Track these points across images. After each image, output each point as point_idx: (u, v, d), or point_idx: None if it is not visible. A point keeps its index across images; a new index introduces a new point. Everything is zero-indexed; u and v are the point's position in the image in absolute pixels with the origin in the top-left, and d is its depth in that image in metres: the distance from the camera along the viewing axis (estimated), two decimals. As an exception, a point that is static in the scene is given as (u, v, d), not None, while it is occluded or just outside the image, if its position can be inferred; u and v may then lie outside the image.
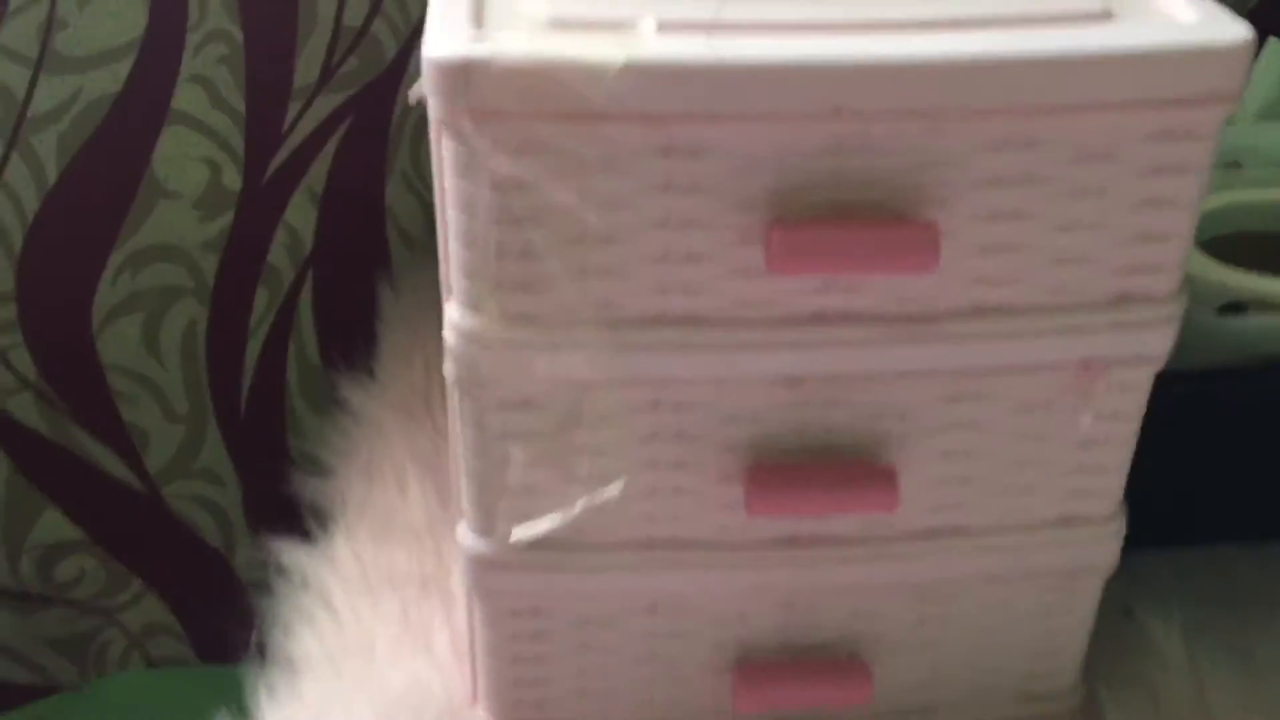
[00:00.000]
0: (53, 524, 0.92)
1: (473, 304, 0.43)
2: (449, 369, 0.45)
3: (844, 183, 0.41)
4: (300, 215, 0.84)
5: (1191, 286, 0.61)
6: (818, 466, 0.46)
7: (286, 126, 0.81)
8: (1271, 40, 0.73)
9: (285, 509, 0.66)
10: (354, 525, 0.64)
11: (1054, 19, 0.41)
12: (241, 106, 0.80)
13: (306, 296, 0.87)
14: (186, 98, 0.79)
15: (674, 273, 0.42)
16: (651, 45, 0.39)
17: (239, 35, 0.77)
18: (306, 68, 0.79)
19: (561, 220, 0.41)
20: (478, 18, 0.41)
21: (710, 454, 0.46)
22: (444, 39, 0.39)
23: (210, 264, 0.84)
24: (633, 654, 0.50)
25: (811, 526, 0.48)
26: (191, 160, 0.81)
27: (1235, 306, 0.61)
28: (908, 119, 0.40)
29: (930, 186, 0.41)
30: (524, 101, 0.39)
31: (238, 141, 0.81)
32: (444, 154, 0.41)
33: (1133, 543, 0.60)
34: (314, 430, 0.74)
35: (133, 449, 0.90)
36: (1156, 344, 0.45)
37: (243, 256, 0.85)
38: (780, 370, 0.44)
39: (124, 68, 0.77)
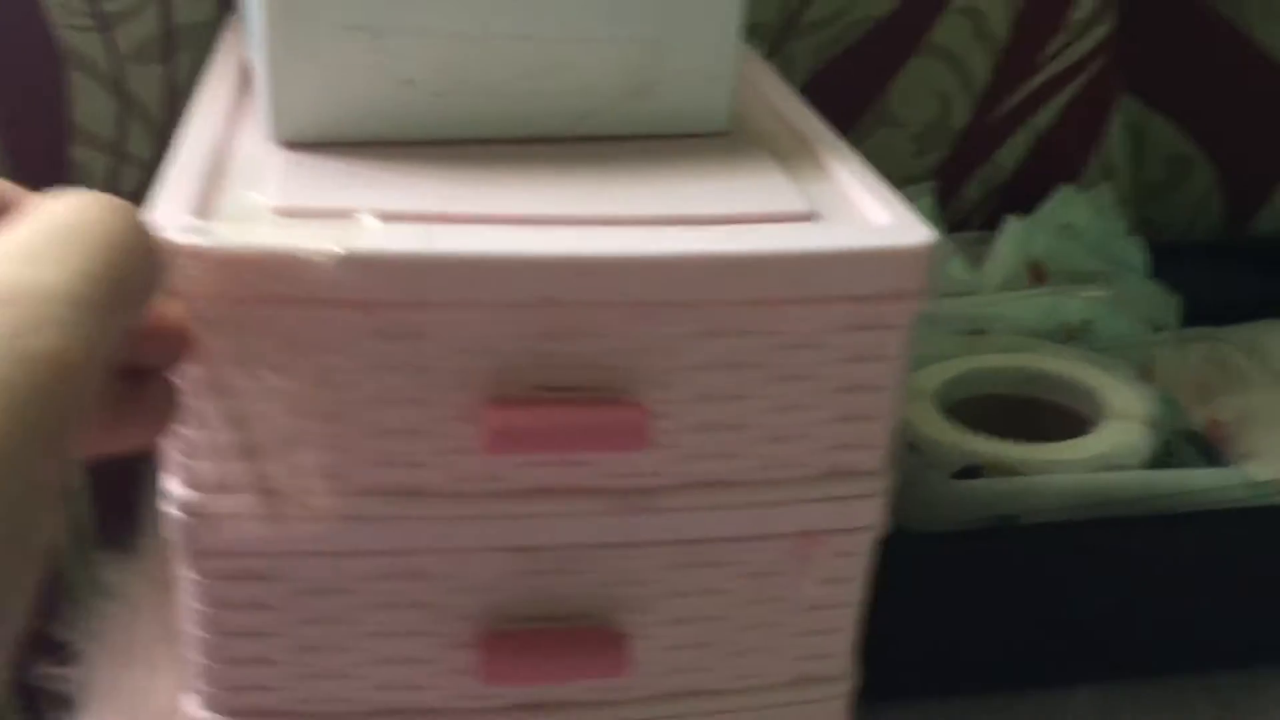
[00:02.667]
0: None
1: (191, 477, 0.43)
2: (173, 537, 0.45)
3: (559, 365, 0.43)
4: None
5: (931, 450, 0.66)
6: (551, 634, 0.47)
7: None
8: (1010, 219, 0.79)
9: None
10: (100, 712, 0.62)
11: (764, 218, 0.45)
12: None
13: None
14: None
15: (396, 448, 0.43)
16: (370, 237, 0.41)
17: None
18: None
19: (281, 396, 0.42)
20: (203, 207, 0.42)
21: (445, 623, 0.47)
22: (164, 227, 0.40)
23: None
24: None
25: (551, 693, 0.48)
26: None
27: (971, 470, 0.65)
28: (619, 309, 0.42)
29: (645, 370, 0.43)
30: (241, 287, 0.40)
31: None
32: (163, 336, 0.41)
33: (876, 697, 0.62)
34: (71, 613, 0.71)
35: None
36: (867, 515, 0.48)
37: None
38: (508, 541, 0.45)
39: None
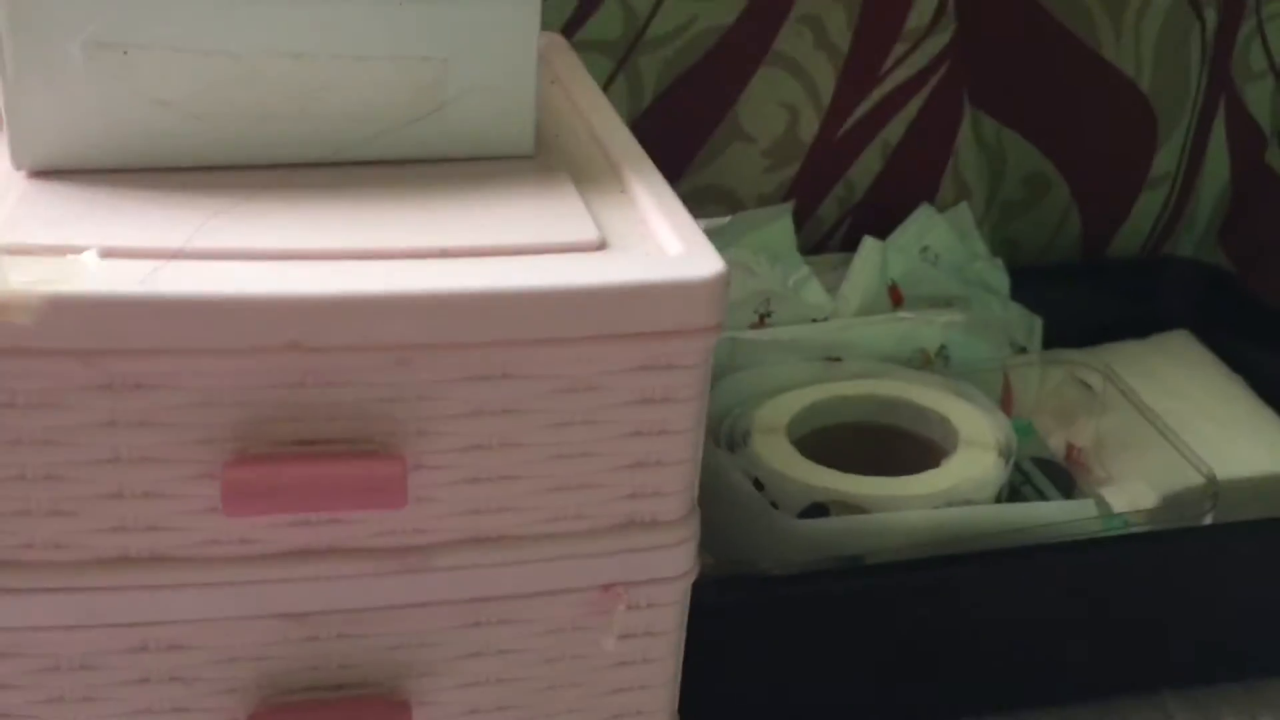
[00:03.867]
0: None
1: (-97, 553, 0.39)
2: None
3: (310, 416, 0.39)
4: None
5: (777, 485, 0.63)
6: (328, 706, 0.43)
7: None
8: (867, 239, 0.77)
9: None
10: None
11: (546, 249, 0.41)
12: None
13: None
14: None
15: (132, 511, 0.39)
16: (88, 277, 0.36)
17: None
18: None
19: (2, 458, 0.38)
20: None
21: (211, 697, 0.43)
22: None
23: None
24: None
25: (332, 769, 0.44)
26: None
27: (820, 507, 0.62)
28: (372, 353, 0.38)
29: (405, 419, 0.40)
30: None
31: None
32: None
33: None
34: None
35: None
36: (675, 565, 0.45)
37: None
38: (270, 608, 0.41)
39: None
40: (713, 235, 0.77)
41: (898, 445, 0.69)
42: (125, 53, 0.42)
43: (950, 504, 0.62)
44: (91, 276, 0.36)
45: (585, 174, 0.47)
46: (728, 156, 0.77)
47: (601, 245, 0.42)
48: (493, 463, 0.41)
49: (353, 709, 0.43)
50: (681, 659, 0.48)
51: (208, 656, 0.42)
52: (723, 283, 0.41)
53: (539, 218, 0.43)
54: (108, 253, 0.38)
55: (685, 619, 0.47)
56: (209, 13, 0.42)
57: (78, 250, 0.38)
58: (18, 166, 0.43)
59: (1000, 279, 0.80)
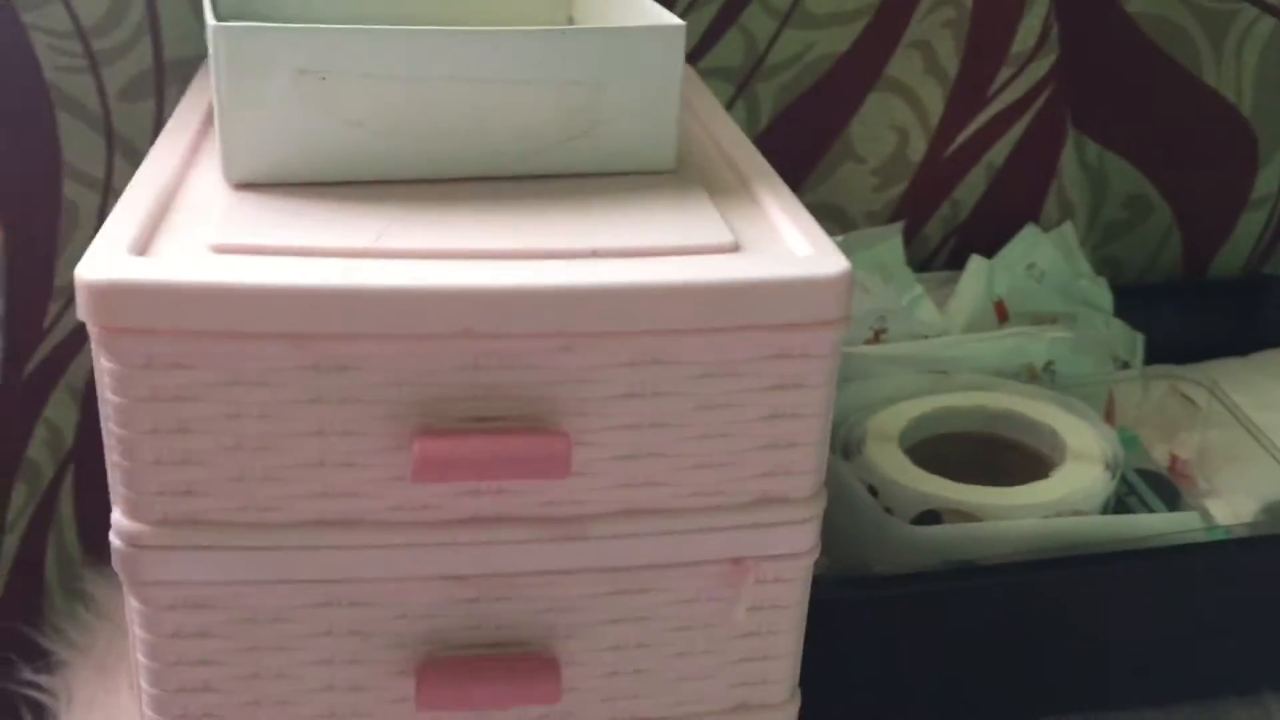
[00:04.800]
0: None
1: (132, 510, 0.44)
2: (118, 571, 0.46)
3: (485, 396, 0.44)
4: (60, 412, 0.84)
5: (891, 492, 0.66)
6: (487, 662, 0.48)
7: (46, 325, 0.82)
8: (974, 257, 0.81)
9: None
10: (85, 716, 0.63)
11: (688, 250, 0.46)
12: (1, 308, 0.80)
13: (68, 494, 0.87)
14: None
15: (331, 478, 0.45)
16: (298, 271, 0.42)
17: (2, 236, 0.79)
18: (68, 267, 0.80)
19: (218, 430, 0.43)
20: (146, 239, 0.44)
21: (384, 650, 0.48)
22: (98, 262, 0.42)
23: (-33, 458, 0.84)
24: None
25: (495, 717, 0.49)
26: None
27: (932, 514, 0.66)
28: (538, 340, 0.43)
29: (567, 400, 0.45)
30: (174, 320, 0.41)
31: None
32: (102, 370, 0.43)
33: None
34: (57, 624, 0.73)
35: None
36: (801, 541, 0.49)
37: (2, 453, 0.84)
38: (443, 569, 0.47)
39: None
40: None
41: (1006, 456, 0.72)
42: (324, 79, 0.48)
43: (1059, 515, 0.65)
44: (301, 270, 0.42)
45: (717, 187, 0.52)
46: (839, 176, 0.82)
47: (736, 248, 0.47)
48: (643, 441, 0.46)
49: (508, 665, 0.48)
50: (803, 634, 0.52)
51: (384, 613, 0.47)
52: (847, 280, 0.45)
53: (679, 224, 0.48)
54: (309, 252, 0.44)
55: (808, 595, 0.51)
56: (397, 44, 0.48)
57: (288, 251, 0.43)
58: (229, 181, 0.49)
59: (1104, 297, 0.83)
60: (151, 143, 0.77)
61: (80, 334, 0.82)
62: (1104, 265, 0.89)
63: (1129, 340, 0.82)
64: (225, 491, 0.45)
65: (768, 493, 0.48)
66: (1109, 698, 0.66)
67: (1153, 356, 0.82)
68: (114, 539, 0.46)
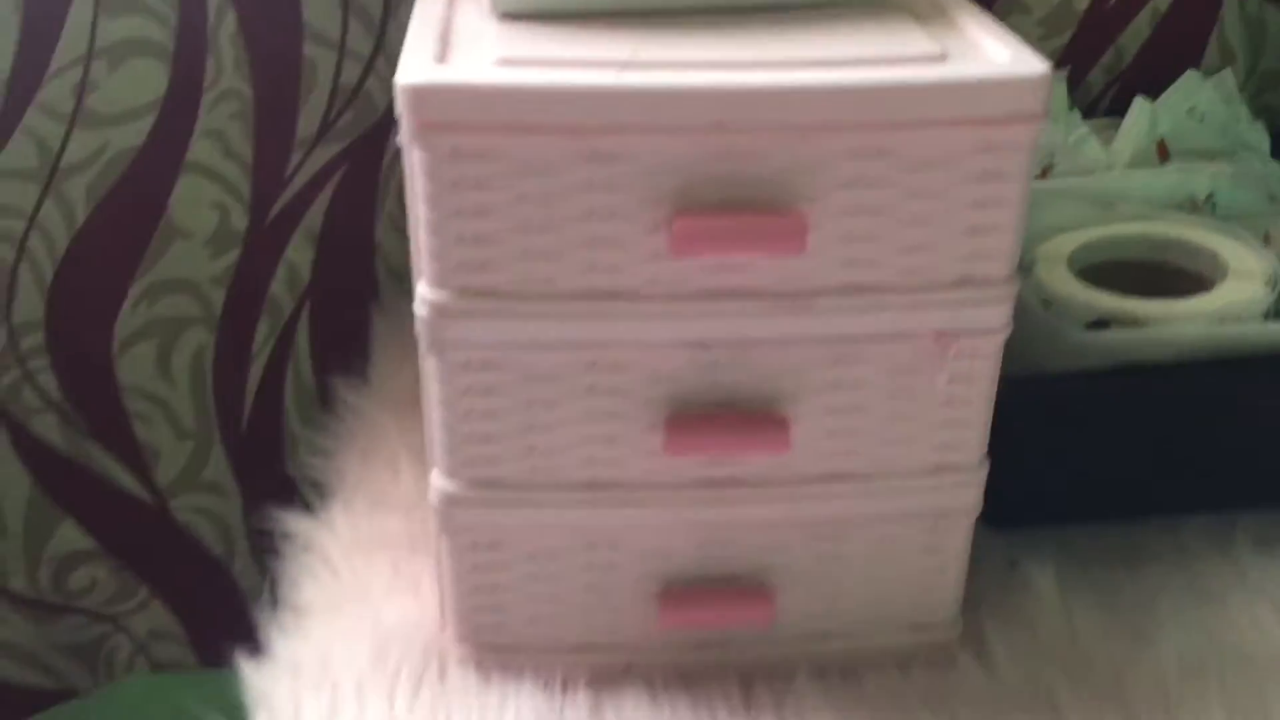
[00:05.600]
0: (68, 536, 1.02)
1: (437, 281, 0.54)
2: (420, 335, 0.55)
3: (732, 183, 0.52)
4: (299, 253, 0.95)
5: (1062, 305, 0.73)
6: (724, 416, 0.57)
7: (288, 174, 0.92)
8: (1138, 99, 0.85)
9: (288, 493, 0.77)
10: (351, 498, 0.74)
11: (900, 60, 0.53)
12: (249, 157, 0.91)
13: (304, 327, 0.98)
14: (201, 149, 0.90)
15: (598, 256, 0.53)
16: (574, 73, 0.50)
17: (249, 93, 0.89)
18: (308, 122, 0.90)
19: (507, 213, 0.52)
20: (442, 56, 0.53)
21: (637, 407, 0.57)
22: (412, 69, 0.51)
23: (218, 296, 0.95)
24: (574, 583, 0.60)
25: (724, 470, 0.58)
26: (204, 204, 0.92)
27: (1101, 323, 0.72)
28: (776, 133, 0.51)
29: (800, 186, 0.52)
30: (474, 115, 0.50)
31: (245, 188, 0.92)
32: (414, 161, 0.52)
33: (1022, 521, 0.70)
34: (316, 425, 0.84)
35: (144, 464, 1.00)
36: (995, 318, 0.56)
37: (247, 290, 0.95)
38: (688, 336, 0.55)
39: (147, 123, 0.89)
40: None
41: (1170, 278, 0.78)
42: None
43: (1222, 322, 0.71)
44: (579, 74, 0.50)
45: (922, 15, 0.59)
46: (1006, 25, 0.87)
47: (943, 57, 0.53)
48: (864, 225, 0.53)
49: (743, 421, 0.57)
50: (992, 407, 0.59)
51: (637, 375, 0.56)
52: (1046, 79, 0.52)
53: (891, 40, 0.55)
54: (578, 63, 0.52)
55: (998, 371, 0.59)
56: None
57: (563, 62, 0.52)
58: (497, 13, 0.58)
59: (1261, 139, 0.87)
60: (381, 7, 0.86)
61: (316, 182, 0.93)
62: (1262, 113, 0.92)
63: (1286, 180, 0.86)
64: (512, 266, 0.53)
65: (968, 274, 0.55)
66: (1261, 497, 0.72)
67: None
68: (418, 308, 0.55)
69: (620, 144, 0.51)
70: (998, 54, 0.53)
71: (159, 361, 0.97)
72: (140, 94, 0.88)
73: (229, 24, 0.87)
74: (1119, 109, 0.87)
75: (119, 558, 1.04)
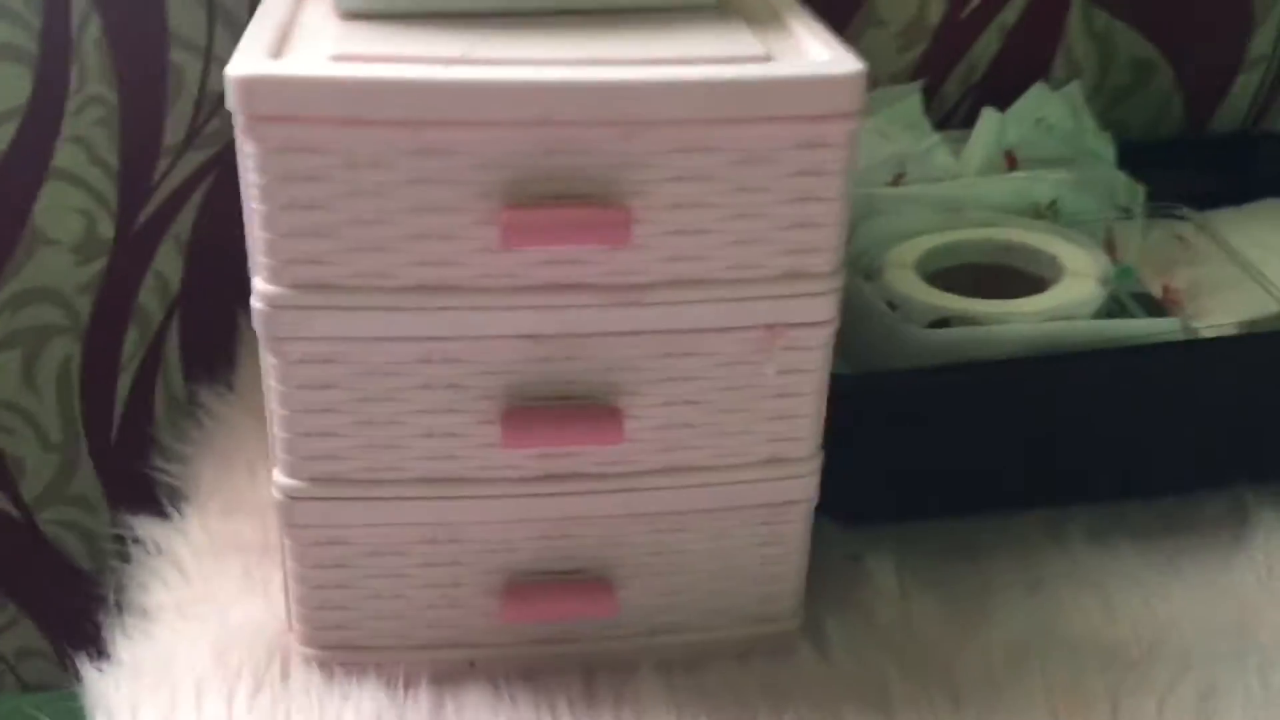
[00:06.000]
0: (-69, 552, 1.00)
1: (272, 276, 0.54)
2: (257, 331, 0.56)
3: (561, 177, 0.53)
4: (168, 261, 0.94)
5: (906, 306, 0.75)
6: (559, 409, 0.58)
7: (155, 181, 0.92)
8: (986, 109, 0.89)
9: (146, 496, 0.76)
10: (206, 503, 0.74)
11: (725, 59, 0.55)
12: (115, 163, 0.90)
13: (173, 335, 0.97)
14: (66, 155, 0.89)
15: (431, 249, 0.54)
16: (406, 68, 0.51)
17: (114, 99, 0.88)
18: (175, 128, 0.90)
19: (339, 207, 0.53)
20: (278, 51, 0.53)
21: (474, 400, 0.57)
22: (242, 62, 0.51)
23: (85, 305, 0.94)
24: (417, 579, 0.61)
25: (562, 464, 0.59)
26: (69, 211, 0.91)
27: (943, 322, 0.75)
28: (603, 128, 0.52)
29: (627, 181, 0.54)
30: (305, 109, 0.51)
31: (111, 195, 0.91)
32: (245, 154, 0.52)
33: (866, 516, 0.72)
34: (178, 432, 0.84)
35: (9, 478, 0.99)
36: (822, 311, 0.58)
37: (115, 299, 0.95)
38: (522, 330, 0.56)
39: (10, 129, 0.88)
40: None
41: (1011, 281, 0.81)
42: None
43: (1055, 320, 0.74)
44: (409, 69, 0.51)
45: (755, 19, 0.61)
46: (864, 40, 0.90)
47: (767, 58, 0.55)
48: (691, 219, 0.55)
49: (576, 414, 0.58)
50: (825, 399, 0.61)
51: (473, 368, 0.57)
52: (860, 78, 0.54)
53: (720, 42, 0.57)
54: (412, 59, 0.53)
55: (828, 364, 0.60)
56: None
57: (395, 58, 0.52)
58: (339, 12, 0.58)
59: (1107, 149, 0.91)
60: (248, 12, 0.86)
61: (185, 189, 0.92)
62: (1111, 126, 0.96)
63: (1131, 189, 0.90)
64: (345, 259, 0.54)
65: (794, 267, 0.57)
66: (1093, 489, 0.75)
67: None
68: (255, 302, 0.55)
69: (449, 138, 0.52)
70: (819, 54, 0.55)
71: (23, 372, 0.95)
72: (3, 99, 0.87)
73: (93, 30, 0.86)
74: (974, 121, 0.90)
75: (-15, 573, 1.02)
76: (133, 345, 0.97)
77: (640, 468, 0.60)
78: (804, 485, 0.62)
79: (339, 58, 0.53)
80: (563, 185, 0.54)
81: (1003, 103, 0.91)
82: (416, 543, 0.60)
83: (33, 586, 1.03)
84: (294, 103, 0.51)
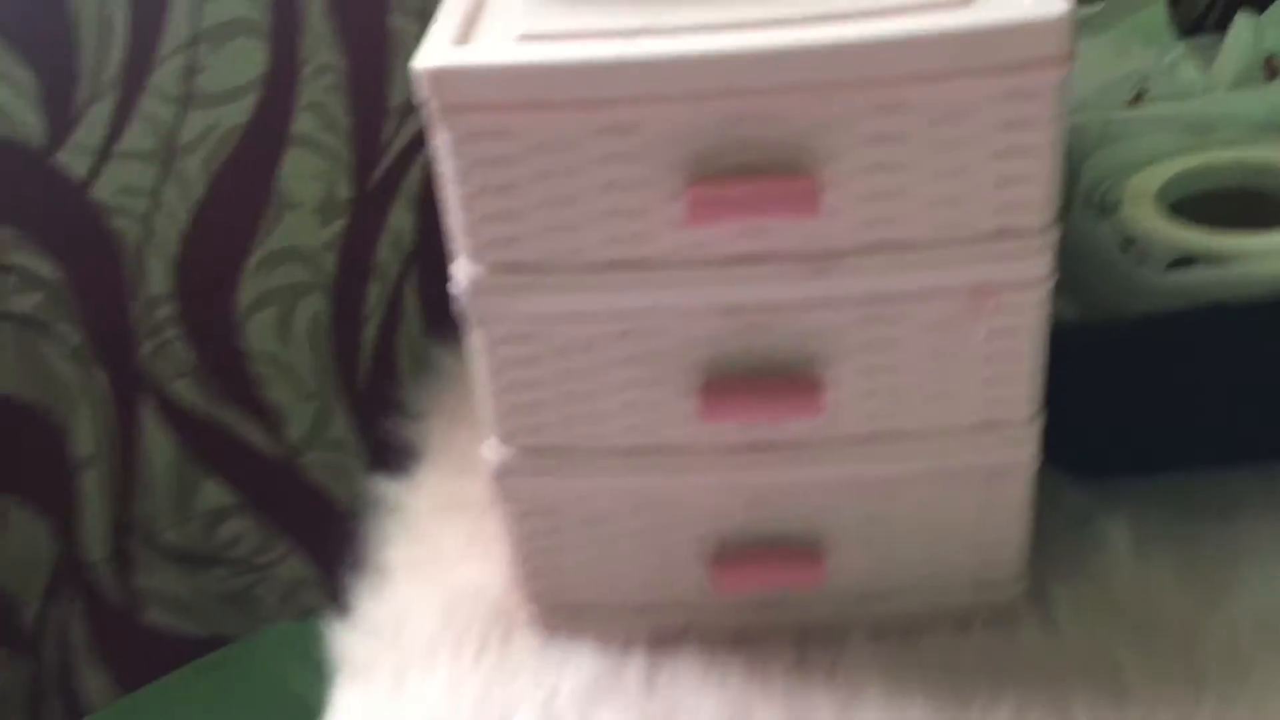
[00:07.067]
0: (212, 493, 1.08)
1: (472, 257, 0.55)
2: (463, 309, 0.57)
3: (750, 147, 0.52)
4: (402, 217, 0.98)
5: (1145, 243, 0.70)
6: (758, 381, 0.57)
7: (385, 141, 0.95)
8: (1239, 16, 0.80)
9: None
10: (439, 461, 0.77)
11: (920, 7, 0.51)
12: (348, 126, 0.94)
13: (411, 290, 1.01)
14: (303, 122, 0.94)
15: (621, 226, 0.54)
16: (585, 47, 0.51)
17: (343, 65, 0.92)
18: (398, 90, 0.93)
19: (531, 188, 0.53)
20: (465, 36, 0.54)
21: (673, 373, 0.57)
22: (430, 52, 0.52)
23: (329, 262, 0.99)
24: (628, 546, 0.62)
25: (765, 434, 0.58)
26: (310, 175, 0.96)
27: (1186, 261, 0.69)
28: (791, 94, 0.50)
29: (818, 147, 0.51)
30: (490, 95, 0.51)
31: (347, 157, 0.95)
32: (438, 142, 0.53)
33: (1104, 470, 0.68)
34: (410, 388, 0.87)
35: (275, 424, 1.06)
36: (1035, 270, 0.54)
37: (356, 255, 0.99)
38: (716, 302, 0.55)
39: (251, 101, 0.93)
40: (1089, 21, 0.84)
41: (1268, 211, 0.74)
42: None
43: (1314, 257, 0.67)
44: (594, 47, 0.51)
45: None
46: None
47: (964, 3, 0.52)
48: (887, 182, 0.52)
49: (776, 386, 0.57)
50: (1041, 359, 0.58)
51: (670, 342, 0.57)
52: (1068, 20, 0.49)
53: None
54: (597, 34, 0.52)
55: (1045, 322, 0.57)
56: None
57: (582, 35, 0.52)
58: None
59: (1389, 51, 0.81)
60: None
61: (413, 147, 0.95)
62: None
63: None
64: (539, 239, 0.54)
65: (1002, 226, 0.53)
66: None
67: None
68: (457, 282, 0.57)
69: (633, 115, 0.51)
70: (1022, -4, 0.51)
71: (279, 327, 1.02)
72: (243, 72, 0.91)
73: (319, 1, 0.89)
74: (1227, 26, 0.81)
75: (260, 511, 1.10)
76: (374, 299, 1.01)
77: (844, 436, 0.58)
78: (1023, 449, 0.59)
79: (526, 37, 0.53)
80: (752, 155, 0.52)
81: (1261, 3, 0.82)
82: (625, 511, 0.61)
83: (300, 524, 1.11)
84: (482, 90, 0.51)
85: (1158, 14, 0.83)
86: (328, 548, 1.12)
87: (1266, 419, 0.68)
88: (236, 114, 0.93)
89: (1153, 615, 0.61)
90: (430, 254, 1.00)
